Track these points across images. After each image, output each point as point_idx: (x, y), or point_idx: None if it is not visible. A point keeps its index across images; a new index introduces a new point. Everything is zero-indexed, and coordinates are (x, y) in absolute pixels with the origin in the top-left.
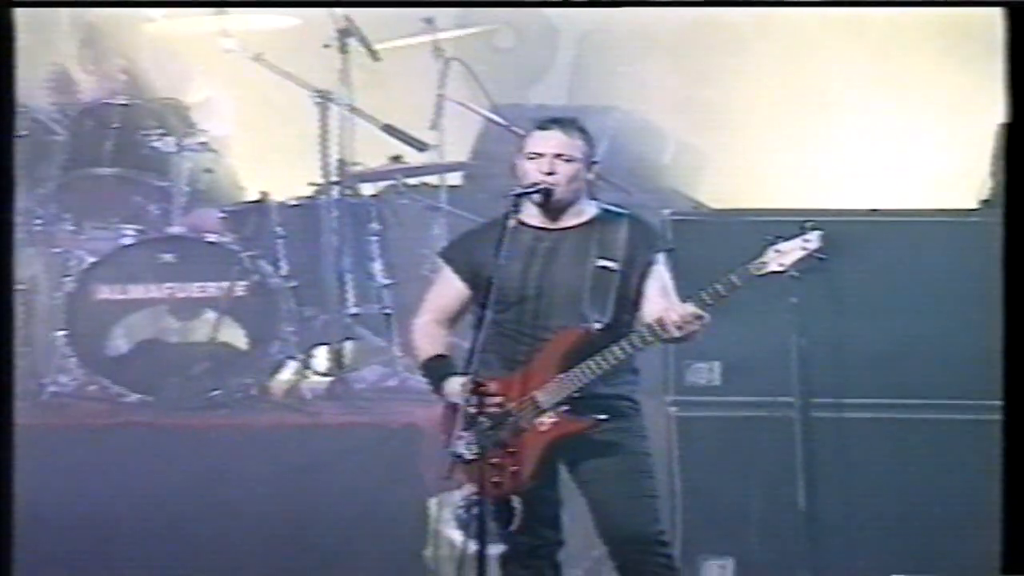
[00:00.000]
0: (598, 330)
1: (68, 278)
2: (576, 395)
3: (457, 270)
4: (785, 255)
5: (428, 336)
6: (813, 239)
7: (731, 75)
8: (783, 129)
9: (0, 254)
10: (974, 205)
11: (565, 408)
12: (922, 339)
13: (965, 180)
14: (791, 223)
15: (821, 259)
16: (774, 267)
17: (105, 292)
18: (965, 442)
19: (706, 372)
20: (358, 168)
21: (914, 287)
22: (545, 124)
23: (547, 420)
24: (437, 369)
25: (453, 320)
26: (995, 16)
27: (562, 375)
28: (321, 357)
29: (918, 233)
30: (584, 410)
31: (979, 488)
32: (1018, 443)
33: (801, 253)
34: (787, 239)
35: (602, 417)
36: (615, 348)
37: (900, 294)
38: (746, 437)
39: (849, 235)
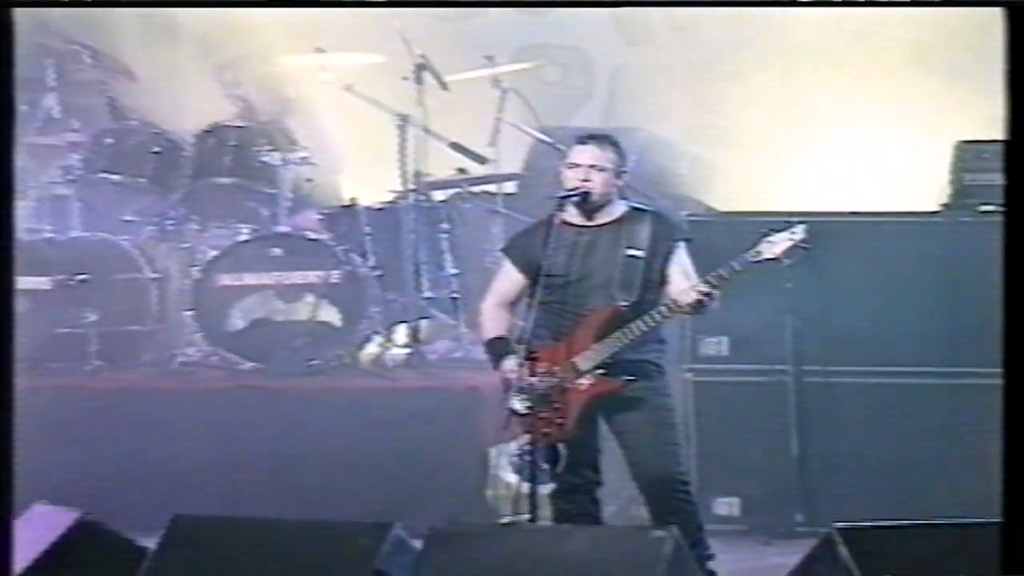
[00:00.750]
0: (625, 308)
1: (195, 268)
2: (609, 360)
3: (515, 262)
4: (776, 245)
5: (492, 319)
6: (799, 231)
7: (736, 102)
8: (777, 146)
9: (0, 254)
10: (935, 208)
11: (600, 372)
12: (893, 317)
13: (928, 187)
14: (783, 222)
15: (806, 248)
16: (767, 255)
17: (225, 280)
18: (932, 400)
19: (716, 345)
20: (430, 178)
21: (886, 275)
22: (583, 139)
23: (584, 382)
24: (497, 348)
25: (513, 304)
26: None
27: (597, 344)
28: (400, 333)
29: (889, 231)
30: (617, 372)
31: (942, 437)
32: (1018, 444)
33: (788, 243)
34: (777, 231)
35: (629, 378)
36: (640, 322)
37: (875, 282)
38: (749, 398)
39: (832, 233)
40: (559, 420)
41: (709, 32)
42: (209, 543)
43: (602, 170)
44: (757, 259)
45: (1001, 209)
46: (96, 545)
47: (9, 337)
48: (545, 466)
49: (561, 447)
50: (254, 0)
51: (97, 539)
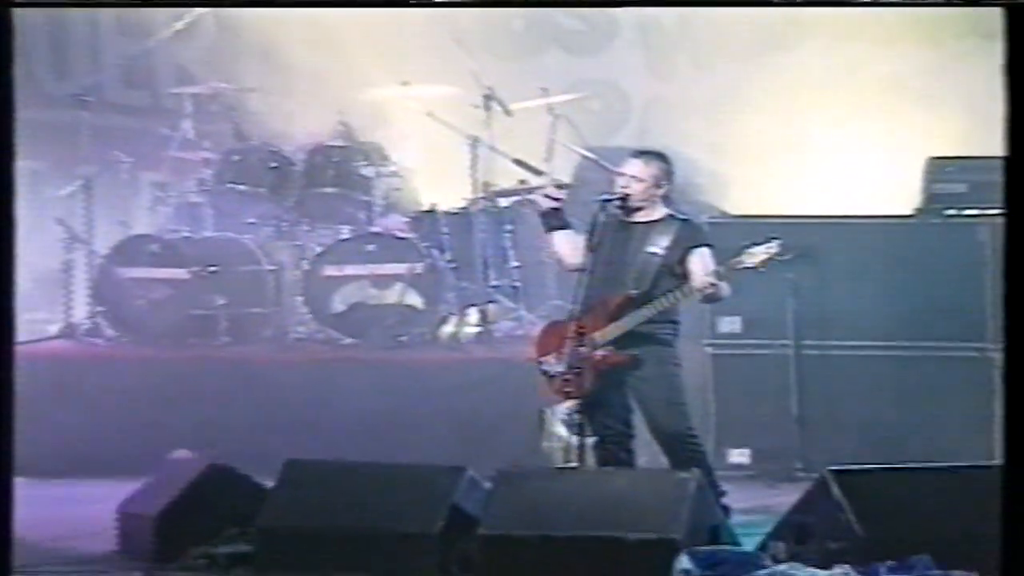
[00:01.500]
0: (635, 296)
1: (304, 261)
2: (623, 336)
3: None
4: (755, 256)
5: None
6: (774, 246)
7: (746, 126)
8: (780, 162)
9: (0, 254)
10: (910, 212)
11: (613, 345)
12: (875, 301)
13: (903, 195)
14: (784, 226)
15: (782, 259)
16: (747, 264)
17: (329, 271)
18: (907, 367)
19: (731, 324)
20: (496, 188)
21: (870, 267)
22: (635, 153)
23: (599, 353)
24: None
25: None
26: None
27: (611, 324)
28: (472, 315)
29: (871, 231)
30: (631, 346)
31: (916, 396)
32: (1018, 445)
33: (765, 256)
34: (757, 244)
35: (635, 353)
36: (649, 306)
37: (860, 272)
38: (757, 368)
39: (825, 232)
40: (577, 382)
41: (724, 68)
42: (315, 483)
43: (641, 180)
44: (739, 267)
45: (1002, 209)
46: (226, 484)
47: (9, 335)
48: (589, 423)
49: (581, 388)
50: (256, 0)
51: (226, 479)
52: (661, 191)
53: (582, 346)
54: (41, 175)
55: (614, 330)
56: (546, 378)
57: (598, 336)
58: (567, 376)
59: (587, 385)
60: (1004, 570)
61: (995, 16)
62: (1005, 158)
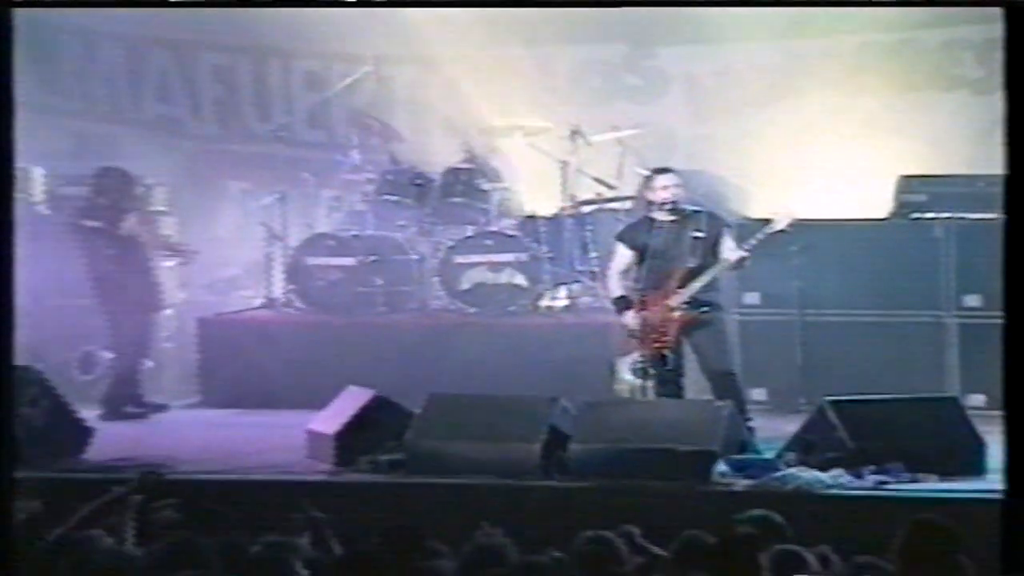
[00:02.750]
0: (693, 267)
1: (440, 252)
2: (688, 300)
3: (626, 244)
4: (777, 224)
5: (614, 283)
6: (771, 228)
7: (759, 154)
8: (786, 178)
9: (0, 254)
10: (884, 216)
11: (684, 306)
12: (858, 280)
13: (880, 203)
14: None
15: (783, 232)
16: (775, 229)
17: (458, 259)
18: (883, 328)
19: (752, 297)
20: (580, 199)
21: (854, 255)
22: (659, 169)
23: (677, 313)
24: (619, 303)
25: (626, 272)
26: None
27: (680, 290)
28: (562, 292)
29: (856, 228)
30: (693, 308)
31: (891, 349)
32: (1018, 447)
33: (786, 222)
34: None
35: (703, 311)
36: (704, 275)
37: (847, 259)
38: (771, 329)
39: (821, 230)
40: (665, 338)
41: (747, 112)
42: (449, 410)
43: (679, 187)
44: (770, 231)
45: (1002, 208)
46: (384, 411)
47: (9, 333)
48: (652, 368)
49: (669, 354)
50: (255, 0)
51: (385, 407)
52: (682, 192)
53: (656, 310)
54: (248, 191)
55: (683, 294)
56: (631, 336)
57: (671, 301)
58: (652, 335)
59: (671, 340)
60: None
61: (964, 63)
62: (1005, 158)
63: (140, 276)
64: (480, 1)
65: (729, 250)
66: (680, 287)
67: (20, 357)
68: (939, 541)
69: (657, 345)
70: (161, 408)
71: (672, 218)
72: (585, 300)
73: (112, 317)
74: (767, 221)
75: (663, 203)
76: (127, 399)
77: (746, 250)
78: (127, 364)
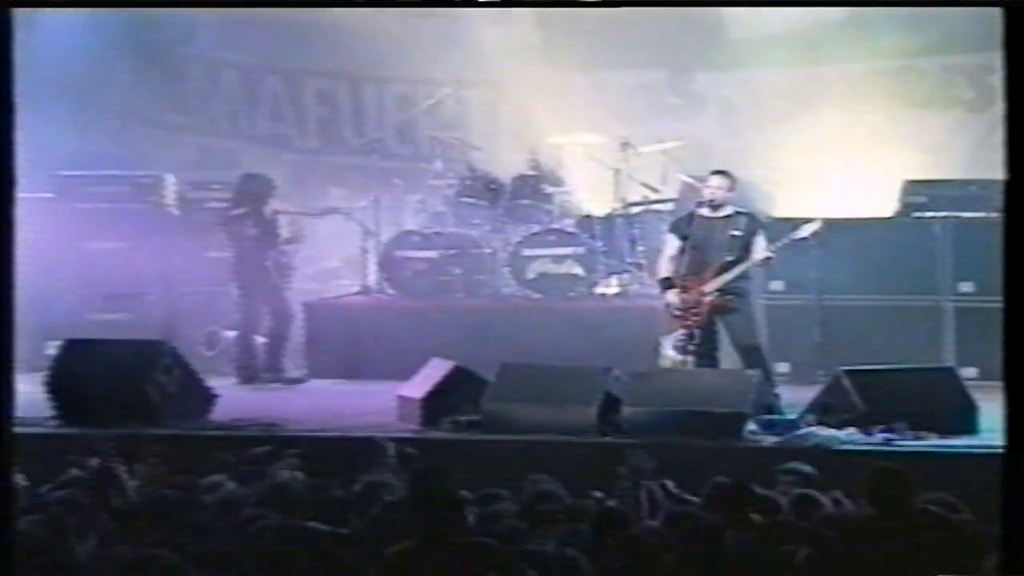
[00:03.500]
0: (728, 262)
1: (510, 247)
2: (720, 288)
3: (675, 235)
4: (807, 229)
5: (663, 267)
6: (818, 222)
7: (786, 165)
8: (805, 183)
9: (0, 254)
10: (890, 214)
11: (716, 293)
12: (866, 270)
13: (887, 203)
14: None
15: (806, 239)
16: (803, 235)
17: (525, 252)
18: (889, 312)
19: (777, 284)
20: (630, 200)
21: (864, 249)
22: (714, 172)
23: (709, 298)
24: (663, 283)
25: (674, 259)
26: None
27: (715, 279)
28: (614, 281)
29: (866, 225)
30: (725, 294)
31: (894, 327)
32: (1017, 448)
33: (814, 228)
34: (808, 223)
35: (729, 298)
36: (736, 269)
37: (858, 252)
38: (793, 312)
39: (836, 227)
40: (696, 318)
41: (772, 128)
42: (519, 378)
43: (720, 188)
44: (797, 237)
45: (1002, 206)
46: (464, 378)
47: (9, 331)
48: (691, 345)
49: (697, 331)
50: (254, 0)
51: (464, 375)
52: (731, 195)
53: (693, 294)
54: (345, 196)
55: (717, 283)
56: (672, 316)
57: (706, 288)
58: (688, 315)
59: (703, 319)
60: None
61: (959, 86)
62: (1005, 158)
63: (278, 253)
64: (484, 2)
65: (760, 250)
66: (715, 276)
67: (154, 335)
68: (896, 483)
69: (689, 323)
70: (299, 380)
71: (713, 214)
72: (633, 288)
73: (250, 293)
74: (791, 220)
75: (707, 200)
76: (267, 369)
77: (772, 251)
78: (278, 334)
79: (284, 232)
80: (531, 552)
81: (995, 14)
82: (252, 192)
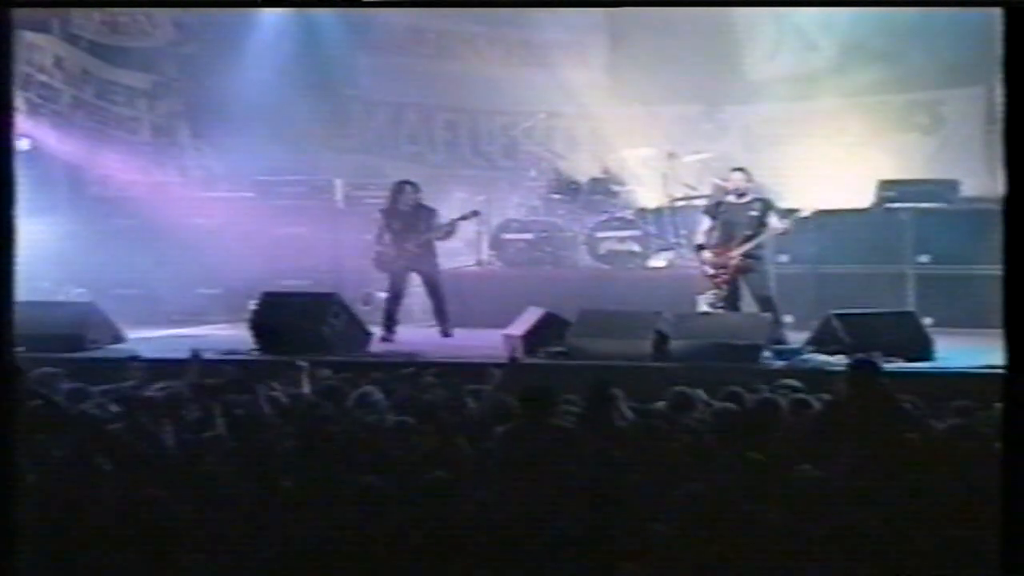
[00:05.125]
0: (748, 236)
1: (586, 231)
2: (743, 253)
3: (708, 216)
4: (803, 211)
5: (698, 238)
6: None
7: (792, 174)
8: (806, 188)
9: (0, 254)
10: (867, 205)
11: (740, 258)
12: (850, 248)
13: (865, 196)
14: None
15: (807, 218)
16: (802, 215)
17: (597, 235)
18: (865, 277)
19: (783, 256)
20: (674, 197)
21: (848, 233)
22: (735, 169)
23: (733, 262)
24: (697, 249)
25: (707, 233)
26: None
27: (738, 248)
28: (663, 256)
29: (851, 215)
30: (748, 258)
31: (868, 290)
32: (1017, 448)
33: (808, 212)
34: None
35: (750, 261)
36: (755, 239)
37: (843, 235)
38: (795, 278)
39: (829, 217)
40: (725, 277)
41: (784, 148)
42: (593, 321)
43: (740, 180)
44: (799, 216)
45: (1002, 203)
46: (554, 322)
47: (9, 331)
48: (719, 299)
49: (725, 287)
50: (254, 0)
51: (554, 319)
52: (750, 185)
53: (722, 258)
54: (465, 198)
55: (740, 251)
56: (706, 276)
57: (732, 255)
58: (717, 276)
59: (728, 277)
60: None
61: (917, 115)
62: (1005, 157)
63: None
64: (484, 1)
65: (775, 223)
66: (739, 245)
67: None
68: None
69: (719, 281)
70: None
71: (737, 201)
72: (677, 261)
73: (397, 266)
74: (796, 211)
75: (731, 190)
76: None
77: (786, 225)
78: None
79: (433, 225)
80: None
81: (947, 59)
82: (404, 192)
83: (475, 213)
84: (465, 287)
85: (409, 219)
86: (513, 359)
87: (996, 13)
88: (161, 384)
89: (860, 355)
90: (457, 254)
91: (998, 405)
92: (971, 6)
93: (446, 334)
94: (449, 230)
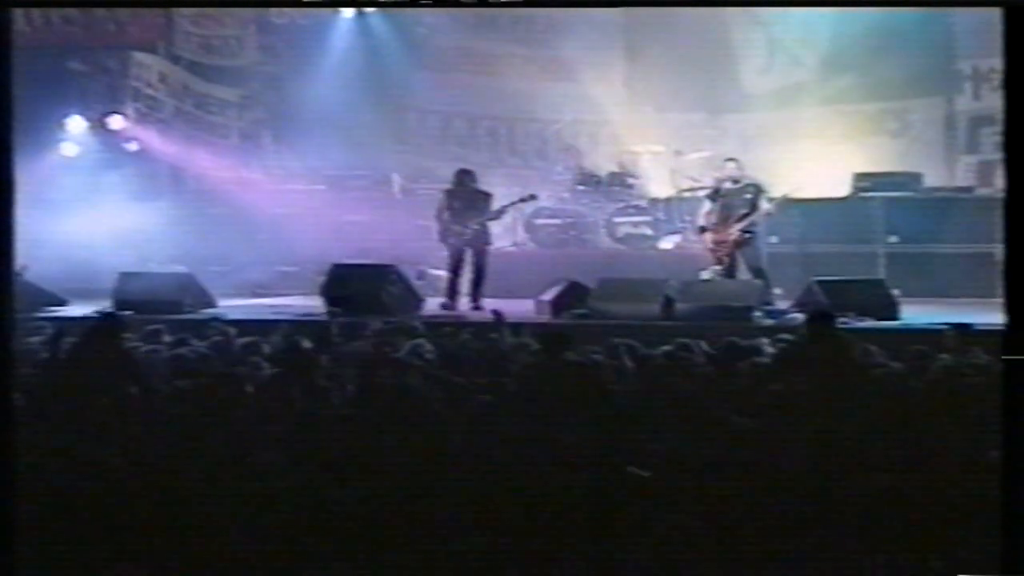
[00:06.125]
0: (744, 215)
1: (606, 217)
2: (741, 229)
3: (709, 200)
4: (793, 194)
5: (700, 220)
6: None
7: (777, 166)
8: (796, 180)
9: (0, 253)
10: (845, 195)
11: (737, 233)
12: (831, 230)
13: (843, 186)
14: (801, 202)
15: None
16: (791, 196)
17: (616, 220)
18: (842, 253)
19: (774, 238)
20: (681, 188)
21: (832, 216)
22: (729, 159)
23: (731, 237)
24: (700, 230)
25: (708, 215)
26: None
27: (736, 224)
28: (672, 238)
29: (833, 203)
30: (744, 233)
31: (846, 263)
32: (1017, 450)
33: (792, 194)
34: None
35: (746, 236)
36: (749, 219)
37: (827, 218)
38: (784, 256)
39: (815, 202)
40: (724, 250)
41: (772, 146)
42: (611, 288)
43: (734, 167)
44: (788, 197)
45: (1003, 202)
46: (578, 290)
47: (9, 329)
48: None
49: (725, 261)
50: (254, 0)
51: (578, 287)
52: (743, 173)
53: (722, 235)
54: (504, 192)
55: (737, 228)
56: (708, 251)
57: (731, 232)
58: (718, 251)
59: (728, 251)
60: None
61: (887, 122)
62: (1004, 155)
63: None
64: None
65: (764, 206)
66: (736, 223)
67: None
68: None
69: (720, 254)
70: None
71: (733, 186)
72: (683, 244)
73: (450, 245)
74: (783, 196)
75: (727, 177)
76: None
77: (773, 207)
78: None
79: (489, 207)
80: None
81: (913, 73)
82: (465, 178)
83: (532, 197)
84: (504, 264)
85: (468, 200)
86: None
87: (959, 30)
88: (245, 340)
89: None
90: (497, 237)
91: (944, 355)
92: (971, 6)
93: (477, 307)
94: (503, 212)
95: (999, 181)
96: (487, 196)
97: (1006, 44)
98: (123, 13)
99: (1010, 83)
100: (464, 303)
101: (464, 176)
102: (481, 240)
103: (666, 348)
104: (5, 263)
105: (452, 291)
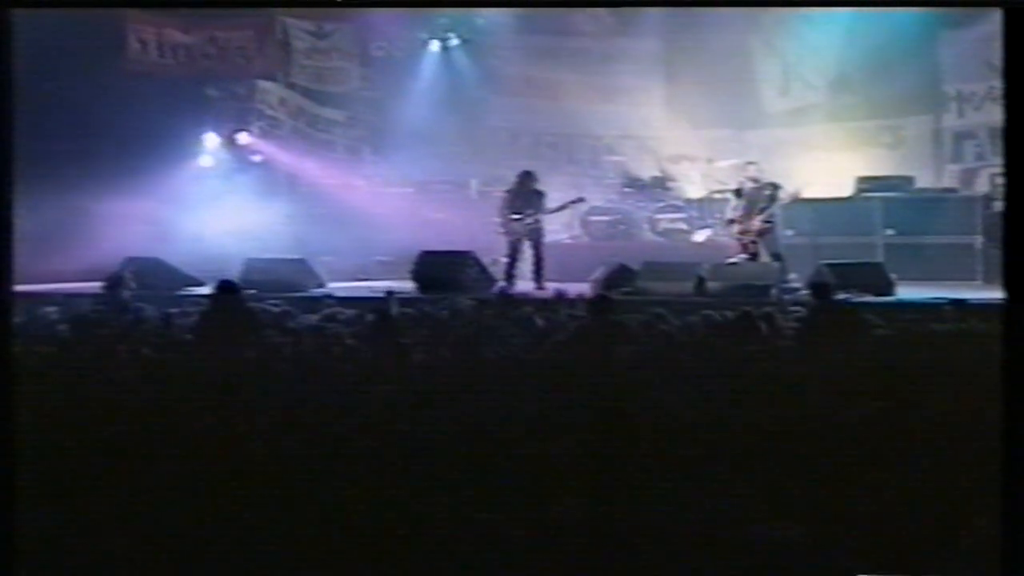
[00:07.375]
0: (764, 208)
1: (648, 213)
2: (762, 219)
3: (735, 197)
4: (799, 192)
5: (728, 214)
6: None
7: (788, 173)
8: (800, 180)
9: (0, 253)
10: (848, 195)
11: (760, 224)
12: (840, 224)
13: (846, 187)
14: (806, 201)
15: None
16: (802, 196)
17: (656, 216)
18: (839, 245)
19: (789, 232)
20: (712, 190)
21: (838, 214)
22: (749, 162)
23: (755, 227)
24: (728, 224)
25: (734, 210)
26: None
27: (759, 217)
28: (703, 232)
29: (838, 203)
30: (765, 223)
31: (846, 249)
32: (1017, 450)
33: (796, 193)
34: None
35: (767, 225)
36: (768, 211)
37: (832, 213)
38: (798, 247)
39: (824, 201)
40: (751, 239)
41: (785, 159)
42: (653, 270)
43: (755, 169)
44: (797, 197)
45: (1002, 200)
46: (624, 271)
47: (8, 330)
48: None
49: (752, 247)
50: (255, 0)
51: (625, 269)
52: (762, 173)
53: (747, 225)
54: (560, 195)
55: (759, 219)
56: (737, 242)
57: (754, 223)
58: (744, 239)
59: (753, 240)
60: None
61: (884, 136)
62: (1005, 156)
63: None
64: (488, 3)
65: (781, 199)
66: (757, 215)
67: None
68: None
69: (746, 243)
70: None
71: (754, 185)
72: (712, 237)
73: (516, 237)
74: (796, 194)
75: (749, 177)
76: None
77: (787, 198)
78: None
79: (544, 204)
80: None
81: (906, 94)
82: (526, 178)
83: (581, 199)
84: (563, 255)
85: (527, 198)
86: (598, 295)
87: (946, 58)
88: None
89: (842, 293)
90: (557, 232)
91: (936, 325)
92: (971, 6)
93: (540, 288)
94: (557, 211)
95: (979, 185)
96: (541, 195)
97: (1006, 44)
98: (250, 49)
99: (1010, 83)
100: (527, 286)
101: (525, 177)
102: (536, 233)
103: (692, 319)
104: (5, 262)
105: (510, 275)
